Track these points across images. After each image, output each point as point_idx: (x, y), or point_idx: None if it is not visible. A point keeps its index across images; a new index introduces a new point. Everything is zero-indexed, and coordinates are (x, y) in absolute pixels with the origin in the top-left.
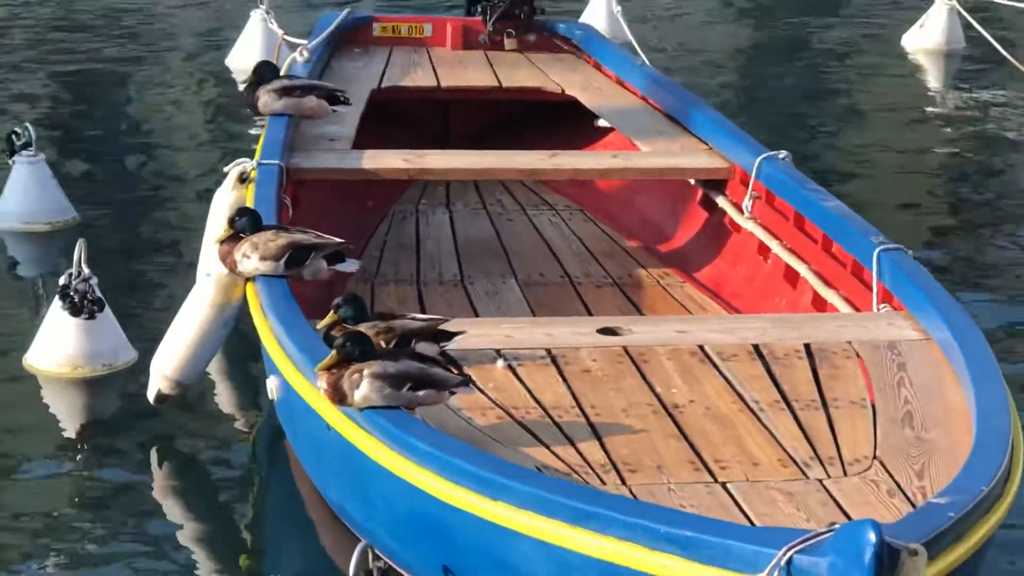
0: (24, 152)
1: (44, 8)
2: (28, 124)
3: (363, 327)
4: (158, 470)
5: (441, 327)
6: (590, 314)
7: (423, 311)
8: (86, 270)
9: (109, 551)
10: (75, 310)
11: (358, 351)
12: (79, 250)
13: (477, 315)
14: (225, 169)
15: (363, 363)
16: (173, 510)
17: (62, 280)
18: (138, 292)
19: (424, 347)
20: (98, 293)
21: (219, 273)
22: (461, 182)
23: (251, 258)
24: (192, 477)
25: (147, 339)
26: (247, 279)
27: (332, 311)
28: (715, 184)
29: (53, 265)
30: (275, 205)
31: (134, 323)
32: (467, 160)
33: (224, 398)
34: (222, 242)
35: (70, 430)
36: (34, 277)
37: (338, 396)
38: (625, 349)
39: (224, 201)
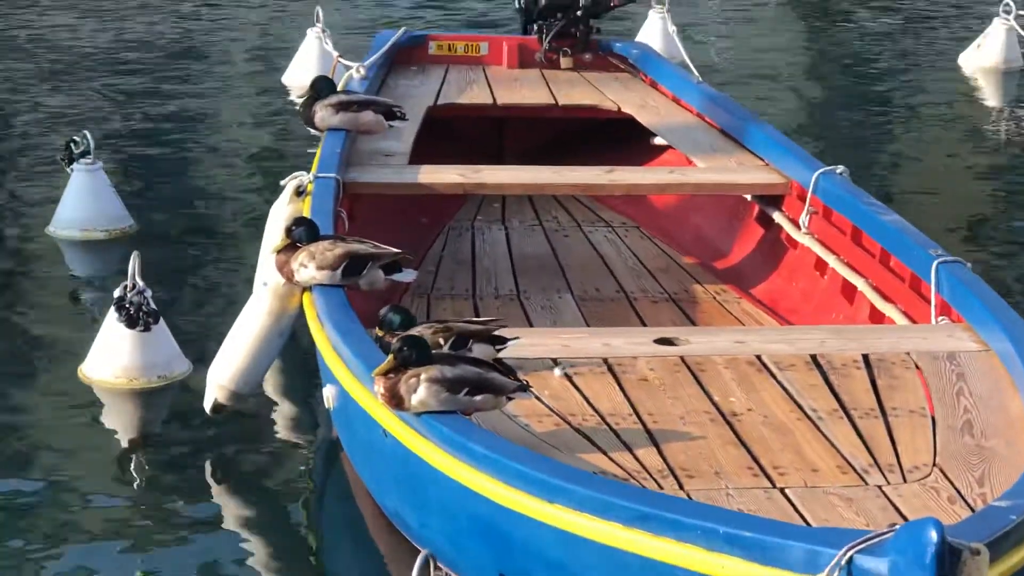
0: (82, 160)
1: (104, 23)
2: (87, 132)
3: (420, 327)
4: (213, 480)
5: (497, 332)
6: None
7: None
8: (140, 282)
9: (165, 561)
10: (131, 322)
11: (415, 355)
12: (133, 263)
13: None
14: (282, 182)
15: (420, 367)
16: (229, 521)
17: (117, 292)
18: (193, 303)
19: (480, 349)
20: (153, 305)
21: (276, 283)
22: (517, 199)
23: (308, 267)
24: (248, 488)
25: (201, 351)
26: (304, 288)
27: (378, 326)
28: (771, 200)
29: (110, 274)
30: (331, 218)
31: (188, 334)
32: (523, 175)
33: (280, 408)
34: (279, 252)
35: (125, 441)
36: (91, 286)
37: (395, 401)
38: (682, 359)
39: (280, 214)
